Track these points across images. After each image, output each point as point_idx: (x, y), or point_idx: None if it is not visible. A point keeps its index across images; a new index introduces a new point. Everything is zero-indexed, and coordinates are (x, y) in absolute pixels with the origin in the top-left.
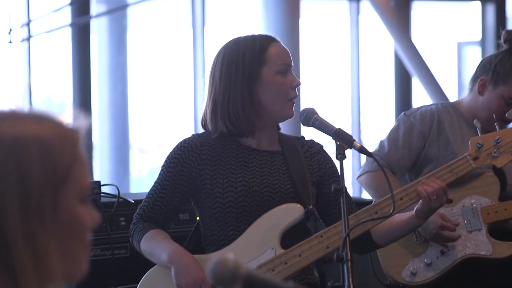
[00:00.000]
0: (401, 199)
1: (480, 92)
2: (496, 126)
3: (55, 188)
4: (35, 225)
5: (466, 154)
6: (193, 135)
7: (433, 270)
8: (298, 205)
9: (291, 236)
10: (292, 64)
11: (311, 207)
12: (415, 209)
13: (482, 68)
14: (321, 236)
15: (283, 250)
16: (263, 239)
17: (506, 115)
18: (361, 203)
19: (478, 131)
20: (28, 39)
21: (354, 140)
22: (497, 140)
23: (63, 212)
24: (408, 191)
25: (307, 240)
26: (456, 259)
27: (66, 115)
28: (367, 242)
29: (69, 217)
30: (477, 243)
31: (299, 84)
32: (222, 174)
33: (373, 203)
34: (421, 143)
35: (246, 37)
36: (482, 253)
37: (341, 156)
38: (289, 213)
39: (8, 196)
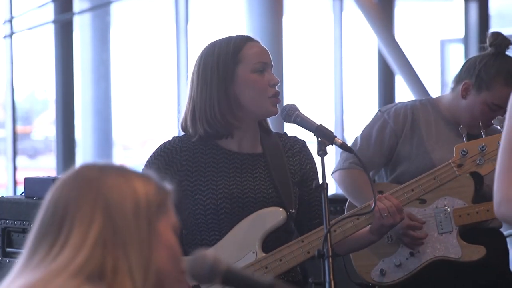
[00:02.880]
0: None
1: (464, 96)
2: (482, 133)
3: (154, 214)
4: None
5: (450, 161)
6: (173, 138)
7: (402, 271)
8: (281, 209)
9: (274, 238)
10: (272, 63)
11: (293, 211)
12: (370, 225)
13: (466, 71)
14: (302, 241)
15: (264, 254)
16: (244, 243)
17: (493, 122)
18: (343, 200)
19: (464, 138)
20: (11, 35)
21: (335, 136)
22: (482, 147)
23: (163, 234)
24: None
25: (288, 245)
26: (425, 261)
27: (49, 112)
28: None
29: (167, 240)
30: (447, 246)
31: (277, 82)
32: (202, 180)
33: (354, 209)
34: (393, 141)
35: (221, 39)
36: (452, 256)
37: (322, 152)
38: (271, 217)
39: (125, 212)
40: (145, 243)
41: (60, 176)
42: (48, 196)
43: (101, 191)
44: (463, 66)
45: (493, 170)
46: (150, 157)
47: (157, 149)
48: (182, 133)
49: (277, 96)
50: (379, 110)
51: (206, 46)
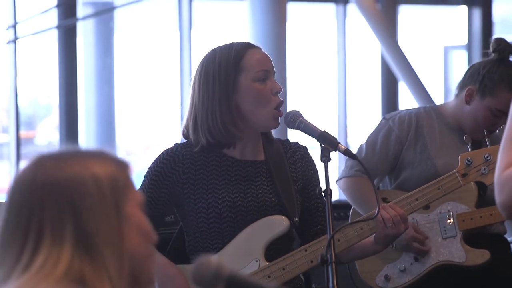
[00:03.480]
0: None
1: (467, 102)
2: (487, 142)
3: (120, 196)
4: (114, 221)
5: (454, 170)
6: (175, 145)
7: (406, 276)
8: (284, 218)
9: (276, 246)
10: (274, 69)
11: (296, 219)
12: (374, 235)
13: (470, 77)
14: (305, 250)
15: (267, 263)
16: (247, 251)
17: (498, 131)
18: (347, 206)
19: (468, 147)
20: (15, 41)
21: (339, 143)
22: (487, 157)
23: (131, 215)
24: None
25: (291, 254)
26: (430, 266)
27: (53, 117)
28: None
29: (136, 220)
30: (451, 250)
31: (280, 89)
32: (205, 189)
33: (358, 218)
34: (398, 147)
35: (222, 46)
36: (456, 260)
37: (325, 158)
38: (274, 225)
39: (92, 205)
40: (116, 233)
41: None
42: (9, 197)
43: (62, 186)
44: (466, 72)
45: None
46: (152, 164)
47: (159, 156)
48: (184, 140)
49: (280, 107)
50: (383, 118)
51: (207, 53)
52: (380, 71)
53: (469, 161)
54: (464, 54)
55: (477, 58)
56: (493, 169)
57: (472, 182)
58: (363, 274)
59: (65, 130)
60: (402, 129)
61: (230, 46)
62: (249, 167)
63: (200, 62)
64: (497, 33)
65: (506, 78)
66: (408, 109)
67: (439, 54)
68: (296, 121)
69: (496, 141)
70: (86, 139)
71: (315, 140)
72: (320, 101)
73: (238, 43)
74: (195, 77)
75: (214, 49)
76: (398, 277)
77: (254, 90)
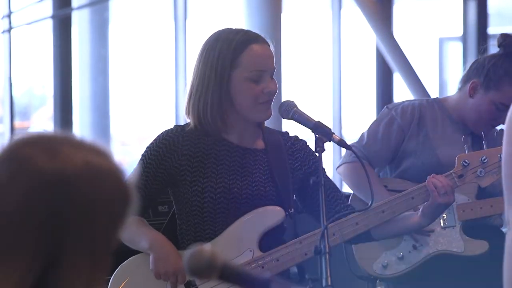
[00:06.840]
0: (383, 211)
1: (471, 95)
2: (484, 145)
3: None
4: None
5: (451, 171)
6: (175, 126)
7: (404, 264)
8: (279, 208)
9: (269, 235)
10: (274, 67)
11: (291, 210)
12: (422, 207)
13: (475, 70)
14: (300, 243)
15: (261, 253)
16: (241, 241)
17: (495, 134)
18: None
19: (466, 149)
20: (9, 30)
21: (333, 133)
22: (483, 159)
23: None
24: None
25: (286, 245)
26: (428, 254)
27: (47, 107)
28: (363, 233)
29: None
30: (449, 240)
31: (273, 90)
32: (202, 172)
33: (354, 213)
34: (400, 136)
35: (226, 34)
36: (454, 250)
37: (320, 149)
38: (269, 216)
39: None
40: None
41: None
42: None
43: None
44: (471, 66)
45: (494, 181)
46: (151, 144)
47: (158, 136)
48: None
49: (264, 101)
50: (386, 107)
51: (211, 36)
52: (375, 62)
53: (466, 162)
54: (459, 46)
55: (472, 50)
56: (489, 172)
57: None
58: (360, 261)
59: (59, 121)
60: (404, 119)
61: (234, 36)
62: (248, 154)
63: (204, 43)
64: (492, 25)
65: (511, 72)
66: (410, 100)
67: (434, 46)
68: (290, 111)
69: (492, 142)
70: (81, 130)
71: (309, 130)
72: (315, 92)
73: (243, 34)
74: (197, 59)
75: (218, 34)
76: (396, 265)
77: (243, 89)
